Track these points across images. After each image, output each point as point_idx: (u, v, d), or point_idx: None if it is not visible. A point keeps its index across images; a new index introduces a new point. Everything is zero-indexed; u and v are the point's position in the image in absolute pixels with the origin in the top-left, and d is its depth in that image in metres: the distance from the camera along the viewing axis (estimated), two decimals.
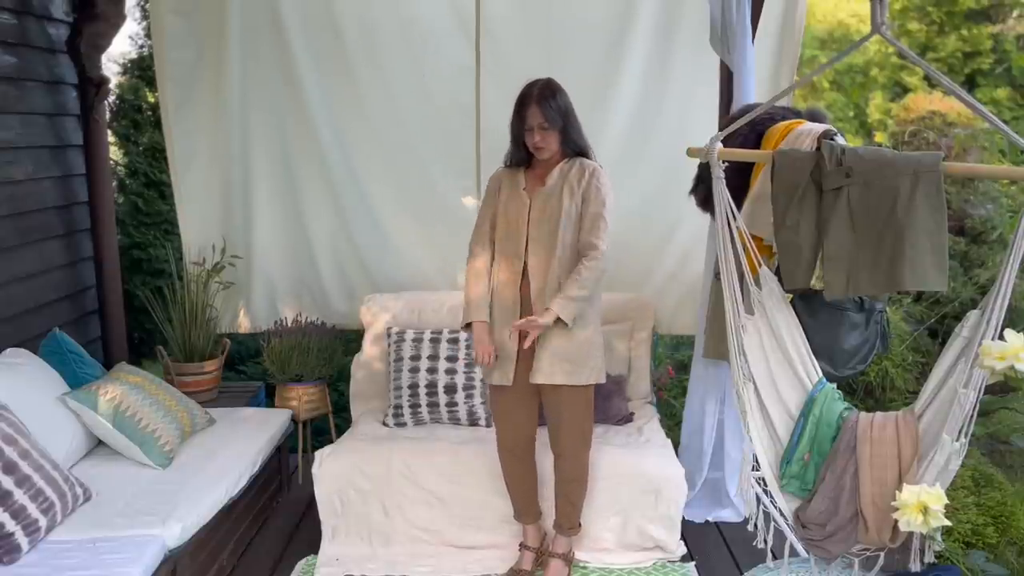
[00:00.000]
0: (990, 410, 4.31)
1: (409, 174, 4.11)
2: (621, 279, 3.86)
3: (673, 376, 4.73)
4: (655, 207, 3.98)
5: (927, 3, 9.32)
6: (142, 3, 5.85)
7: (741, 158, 2.58)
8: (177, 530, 2.71)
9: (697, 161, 2.60)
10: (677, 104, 3.89)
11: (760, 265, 2.40)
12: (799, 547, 2.58)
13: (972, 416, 2.11)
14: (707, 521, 3.58)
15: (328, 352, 4.05)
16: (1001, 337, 2.01)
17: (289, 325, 4.09)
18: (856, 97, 9.56)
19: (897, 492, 2.07)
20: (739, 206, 2.55)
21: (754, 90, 3.28)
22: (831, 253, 2.28)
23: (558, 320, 2.73)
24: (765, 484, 2.45)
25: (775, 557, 2.60)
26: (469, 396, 3.54)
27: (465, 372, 3.54)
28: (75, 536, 2.63)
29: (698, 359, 3.53)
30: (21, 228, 3.67)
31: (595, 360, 2.88)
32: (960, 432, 2.12)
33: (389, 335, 3.71)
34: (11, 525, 2.48)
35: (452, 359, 3.57)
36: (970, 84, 8.95)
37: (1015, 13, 9.28)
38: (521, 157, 2.91)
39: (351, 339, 4.28)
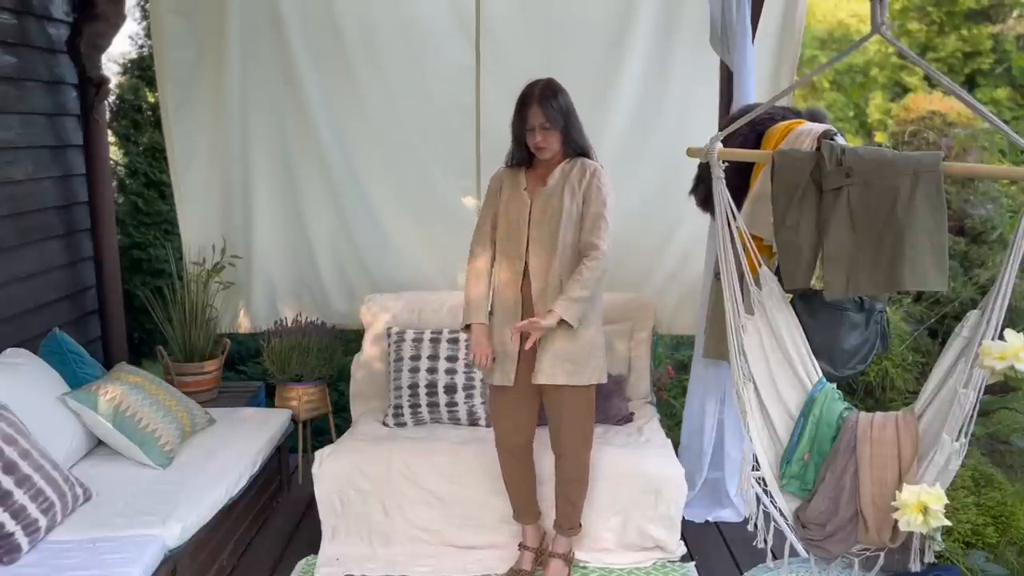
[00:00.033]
0: (990, 410, 4.31)
1: (409, 174, 4.11)
2: (621, 279, 3.86)
3: (673, 376, 4.73)
4: (655, 207, 3.98)
5: (927, 3, 9.32)
6: (142, 3, 5.86)
7: (741, 158, 2.58)
8: (177, 530, 2.71)
9: (697, 161, 2.60)
10: (677, 104, 3.89)
11: (760, 265, 2.40)
12: (799, 547, 2.58)
13: (972, 416, 2.11)
14: (707, 521, 3.58)
15: (328, 352, 4.05)
16: (1001, 337, 2.01)
17: (289, 325, 4.09)
18: (856, 97, 9.56)
19: (897, 492, 2.07)
20: (739, 206, 2.55)
21: (754, 90, 3.28)
22: (831, 253, 2.28)
23: (561, 321, 2.73)
24: (765, 484, 2.45)
25: (775, 557, 2.60)
26: (469, 396, 3.54)
27: (465, 372, 3.54)
28: (75, 536, 2.63)
29: (698, 359, 3.53)
30: (21, 228, 3.67)
31: (597, 360, 2.88)
32: (960, 432, 2.12)
33: (389, 335, 3.71)
34: (11, 525, 2.48)
35: (452, 359, 3.57)
36: (970, 84, 8.96)
37: (1015, 13, 9.28)
38: (522, 157, 2.91)
39: (351, 339, 4.28)
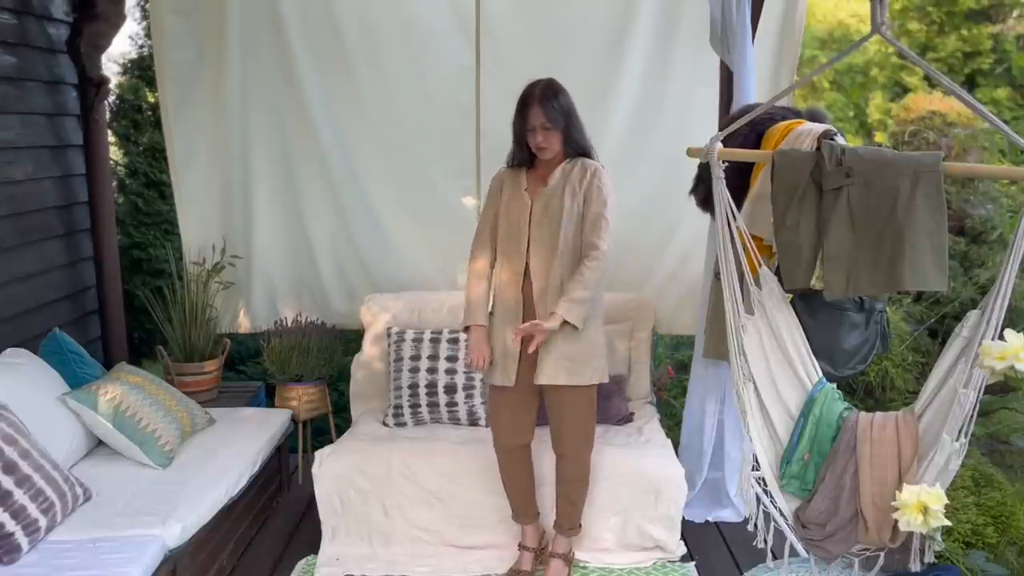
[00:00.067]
0: (990, 410, 4.31)
1: (409, 174, 4.11)
2: (621, 279, 3.86)
3: (673, 376, 4.73)
4: (655, 207, 3.98)
5: (927, 3, 9.32)
6: (142, 3, 5.86)
7: (741, 158, 2.58)
8: (177, 530, 2.71)
9: (697, 161, 2.60)
10: (677, 104, 3.89)
11: (760, 265, 2.40)
12: (799, 547, 2.58)
13: (972, 416, 2.11)
14: (707, 521, 3.58)
15: (328, 352, 4.05)
16: (1001, 337, 2.01)
17: (289, 325, 4.09)
18: (856, 97, 9.56)
19: (897, 492, 2.07)
20: (739, 206, 2.55)
21: (754, 90, 3.28)
22: (831, 253, 2.28)
23: (564, 323, 2.73)
24: (765, 484, 2.45)
25: (775, 557, 2.60)
26: (469, 396, 3.54)
27: (465, 372, 3.54)
28: (75, 536, 2.63)
29: (698, 359, 3.53)
30: (21, 228, 3.67)
31: (598, 360, 2.88)
32: (960, 432, 2.12)
33: (389, 335, 3.71)
34: (11, 525, 2.48)
35: (452, 359, 3.57)
36: (970, 84, 8.96)
37: (1015, 13, 9.28)
38: (524, 157, 2.91)
39: (351, 339, 4.28)
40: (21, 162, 3.68)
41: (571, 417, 2.91)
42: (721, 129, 2.81)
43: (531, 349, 2.77)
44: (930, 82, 7.71)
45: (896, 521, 2.08)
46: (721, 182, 2.37)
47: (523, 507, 3.10)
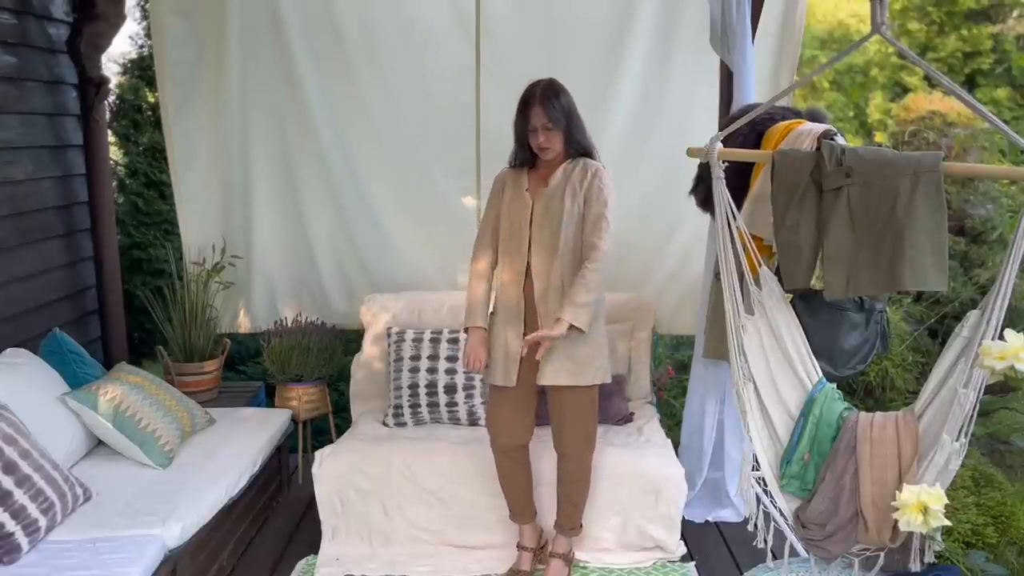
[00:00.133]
0: (990, 410, 4.31)
1: (409, 174, 4.11)
2: (621, 279, 3.86)
3: (673, 376, 4.73)
4: (655, 207, 3.98)
5: (927, 3, 9.32)
6: (142, 3, 5.86)
7: (741, 158, 2.58)
8: (177, 530, 2.71)
9: (697, 161, 2.60)
10: (677, 104, 3.89)
11: (760, 265, 2.40)
12: (799, 547, 2.58)
13: (972, 416, 2.11)
14: (707, 521, 3.58)
15: (328, 352, 4.05)
16: (1001, 337, 2.01)
17: (289, 325, 4.09)
18: (856, 97, 9.57)
19: (897, 492, 2.07)
20: (739, 206, 2.55)
21: (754, 90, 3.28)
22: (831, 253, 2.28)
23: (571, 327, 2.72)
24: (765, 484, 2.45)
25: (775, 557, 2.60)
26: (469, 396, 3.54)
27: (465, 372, 3.54)
28: (75, 536, 2.63)
29: (698, 359, 3.53)
30: (21, 228, 3.67)
31: (600, 360, 2.88)
32: (960, 432, 2.12)
33: (389, 335, 3.71)
34: (11, 525, 2.48)
35: (452, 359, 3.57)
36: (970, 84, 8.96)
37: (1015, 13, 9.28)
38: (525, 158, 2.91)
39: (351, 339, 4.28)
40: (21, 162, 3.68)
41: (573, 417, 2.91)
42: (721, 129, 2.81)
43: (538, 356, 2.78)
44: (930, 82, 7.71)
45: (896, 521, 2.08)
46: (721, 182, 2.37)
47: (521, 507, 3.10)
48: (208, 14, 3.94)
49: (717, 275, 2.54)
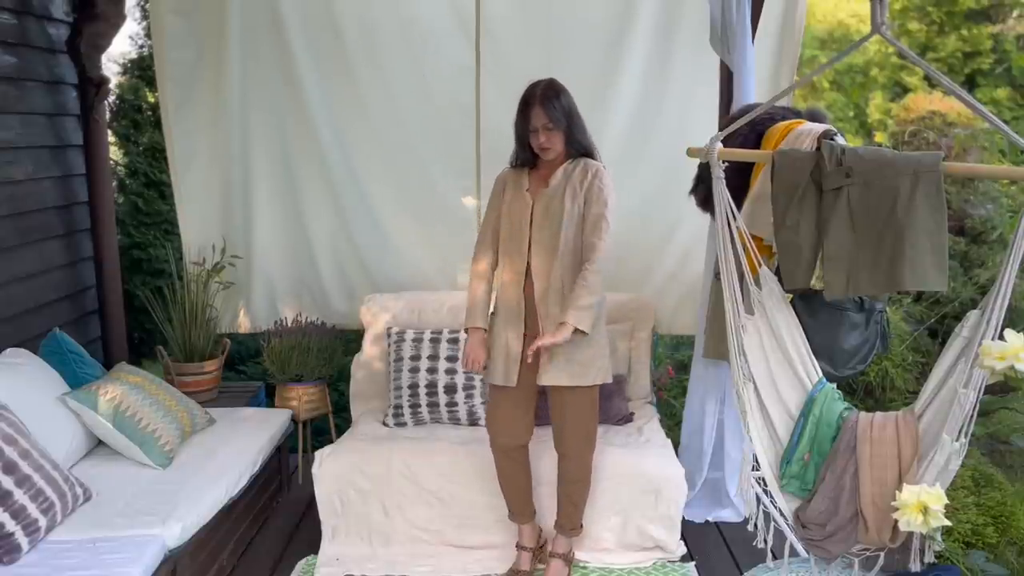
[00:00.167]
0: (990, 410, 4.31)
1: (409, 174, 4.11)
2: (621, 279, 3.86)
3: (673, 376, 4.73)
4: (655, 207, 3.98)
5: (927, 3, 9.32)
6: (142, 3, 5.86)
7: (741, 158, 2.58)
8: (177, 530, 2.71)
9: (697, 161, 2.60)
10: (677, 104, 3.89)
11: (760, 265, 2.40)
12: (799, 547, 2.58)
13: (972, 416, 2.11)
14: (707, 521, 3.58)
15: (328, 352, 4.06)
16: (1001, 337, 2.01)
17: (289, 325, 4.09)
18: (856, 97, 9.57)
19: (897, 492, 2.07)
20: (739, 206, 2.55)
21: (754, 90, 3.28)
22: (831, 253, 2.28)
23: (575, 330, 2.72)
24: (765, 484, 2.45)
25: (775, 557, 2.60)
26: (469, 396, 3.54)
27: (465, 372, 3.54)
28: (75, 536, 2.63)
29: (698, 359, 3.53)
30: (21, 228, 3.67)
31: (601, 360, 2.88)
32: (960, 432, 2.12)
33: (389, 335, 3.71)
34: (11, 525, 2.48)
35: (452, 359, 3.57)
36: (970, 84, 8.96)
37: (1015, 13, 9.28)
38: (526, 158, 2.91)
39: (351, 339, 4.28)
40: (21, 162, 3.68)
41: (573, 417, 2.91)
42: (721, 129, 2.81)
43: (542, 358, 2.78)
44: (930, 82, 7.71)
45: (896, 521, 2.08)
46: (721, 182, 2.37)
47: (520, 507, 3.10)
48: (208, 14, 3.93)
49: (717, 275, 2.54)
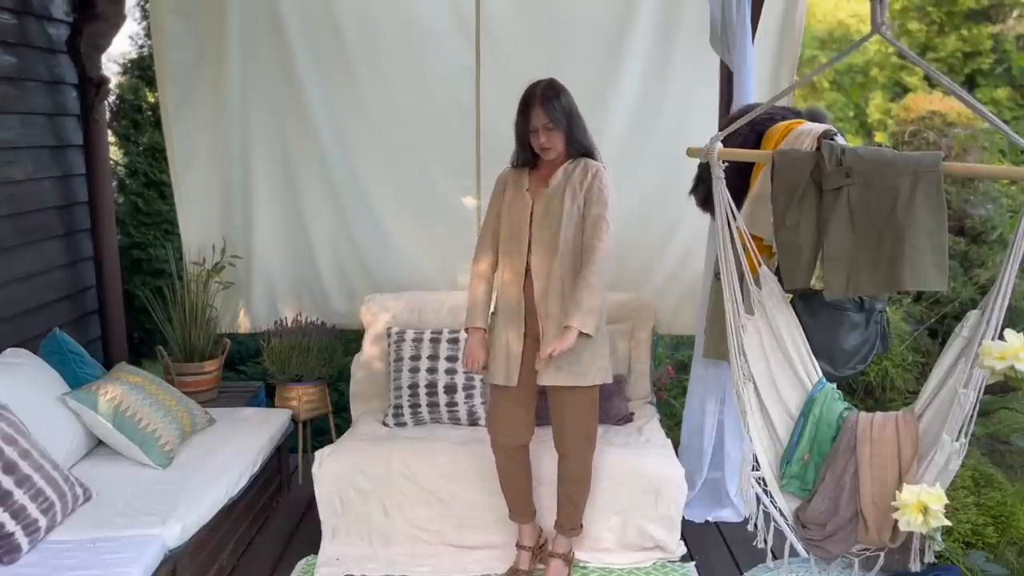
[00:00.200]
0: (990, 410, 4.31)
1: (409, 174, 4.11)
2: (621, 279, 3.86)
3: (673, 376, 4.73)
4: (655, 207, 3.98)
5: (927, 3, 9.32)
6: (142, 3, 5.86)
7: (741, 158, 2.58)
8: (177, 530, 2.71)
9: (697, 161, 2.60)
10: (677, 104, 3.89)
11: (760, 265, 2.40)
12: (799, 547, 2.58)
13: (972, 416, 2.11)
14: (707, 521, 3.58)
15: (328, 352, 4.06)
16: (1001, 337, 2.01)
17: (289, 325, 4.09)
18: (856, 97, 9.57)
19: (897, 492, 2.07)
20: (739, 206, 2.55)
21: (754, 90, 3.28)
22: (831, 253, 2.28)
23: (580, 333, 2.72)
24: (765, 484, 2.45)
25: (775, 557, 2.60)
26: (469, 396, 3.54)
27: (465, 372, 3.54)
28: (75, 536, 2.63)
29: (698, 359, 3.53)
30: (21, 228, 3.67)
31: (601, 360, 2.88)
32: (960, 432, 2.12)
33: (389, 335, 3.71)
34: (11, 525, 2.48)
35: (452, 359, 3.57)
36: (970, 84, 8.96)
37: (1015, 13, 9.28)
38: (527, 158, 2.91)
39: (351, 339, 4.28)
40: (21, 162, 3.68)
41: (573, 417, 2.91)
42: (721, 129, 2.81)
43: (543, 359, 2.79)
44: (930, 82, 7.71)
45: (896, 521, 2.08)
46: (721, 182, 2.37)
47: (521, 507, 3.10)
48: (208, 14, 3.93)
49: (717, 275, 2.54)
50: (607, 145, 3.68)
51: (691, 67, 3.80)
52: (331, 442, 3.55)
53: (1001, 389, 4.35)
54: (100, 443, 3.27)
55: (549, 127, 2.77)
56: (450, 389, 3.54)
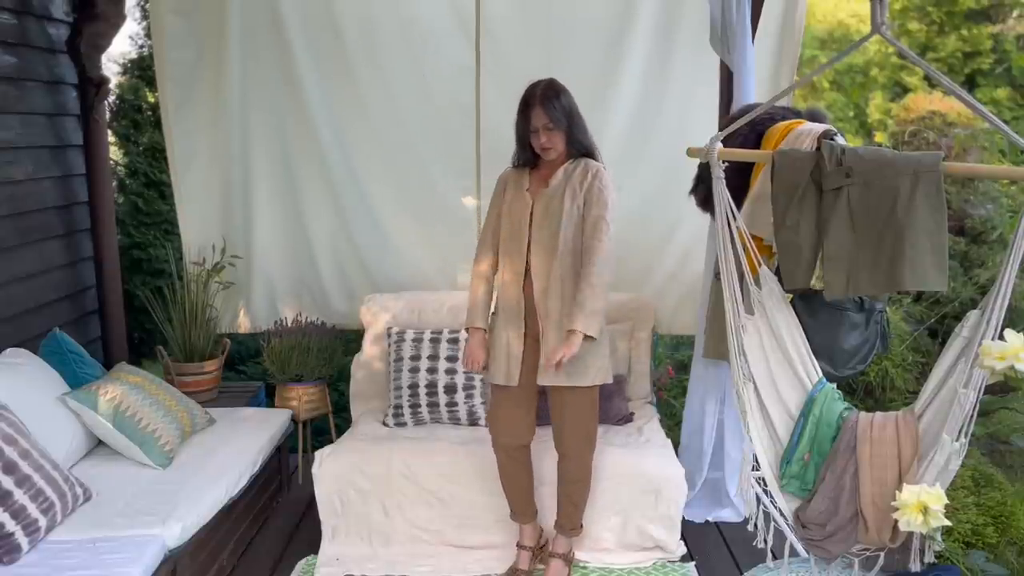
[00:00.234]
0: (990, 410, 4.31)
1: (409, 174, 4.11)
2: (621, 279, 3.85)
3: (673, 376, 4.73)
4: (655, 207, 3.98)
5: (927, 3, 9.32)
6: (142, 3, 5.86)
7: (741, 158, 2.58)
8: (177, 530, 2.71)
9: (697, 161, 2.60)
10: (677, 104, 3.89)
11: (760, 265, 2.40)
12: (799, 547, 2.58)
13: (972, 416, 2.11)
14: (707, 521, 3.58)
15: (328, 352, 4.06)
16: (1001, 337, 2.01)
17: (289, 325, 4.09)
18: (856, 97, 9.57)
19: (897, 492, 2.07)
20: (739, 206, 2.56)
21: (754, 90, 3.28)
22: (831, 253, 2.28)
23: (586, 336, 2.72)
24: (765, 484, 2.45)
25: (775, 557, 2.60)
26: (469, 396, 3.54)
27: (465, 372, 3.54)
28: (75, 536, 2.63)
29: (698, 359, 3.53)
30: (21, 228, 3.67)
31: (601, 361, 2.88)
32: (960, 432, 2.12)
33: (389, 335, 3.71)
34: (11, 525, 2.48)
35: (452, 359, 3.57)
36: (970, 84, 8.96)
37: (1015, 13, 9.28)
38: (527, 158, 2.91)
39: (351, 339, 4.28)
40: (21, 162, 3.68)
41: (573, 417, 2.91)
42: (721, 129, 2.81)
43: (543, 359, 2.80)
44: (930, 82, 7.71)
45: (896, 521, 2.08)
46: (721, 182, 2.37)
47: (522, 507, 3.10)
48: (208, 14, 3.93)
49: (717, 275, 2.54)
50: (607, 145, 3.68)
51: (691, 67, 3.80)
52: (331, 442, 3.55)
53: (1001, 389, 4.35)
54: (100, 443, 3.27)
55: (549, 127, 2.77)
56: (450, 389, 3.54)
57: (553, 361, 2.72)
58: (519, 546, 3.12)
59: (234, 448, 3.35)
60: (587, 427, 2.95)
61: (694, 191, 2.99)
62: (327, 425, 4.15)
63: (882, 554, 2.32)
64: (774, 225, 2.39)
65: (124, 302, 4.28)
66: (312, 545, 3.30)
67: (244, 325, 4.34)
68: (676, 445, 3.55)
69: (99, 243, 4.13)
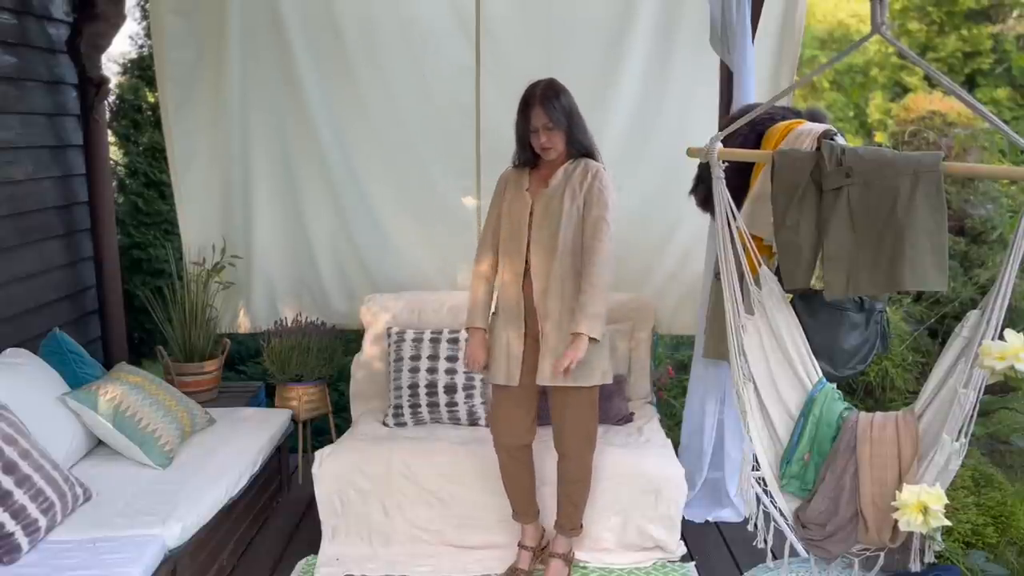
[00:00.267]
0: (990, 410, 4.31)
1: (409, 174, 4.11)
2: (621, 279, 3.84)
3: (673, 376, 4.73)
4: (655, 207, 3.98)
5: (927, 3, 9.32)
6: (142, 3, 5.86)
7: (741, 158, 2.58)
8: (177, 530, 2.71)
9: (697, 161, 2.60)
10: (677, 104, 3.89)
11: (760, 265, 2.40)
12: (799, 547, 2.58)
13: (972, 416, 2.11)
14: (707, 521, 3.58)
15: (328, 352, 4.06)
16: (1001, 337, 2.01)
17: (289, 325, 4.09)
18: (856, 97, 9.57)
19: (897, 492, 2.07)
20: (739, 206, 2.56)
21: (754, 90, 3.28)
22: (831, 253, 2.28)
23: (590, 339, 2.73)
24: (765, 484, 2.45)
25: (775, 557, 2.60)
26: (469, 396, 3.54)
27: (465, 372, 3.54)
28: (75, 536, 2.63)
29: (698, 359, 3.53)
30: (21, 228, 3.67)
31: (601, 361, 2.88)
32: (960, 432, 2.12)
33: (389, 335, 3.71)
34: (11, 525, 2.48)
35: (452, 359, 3.57)
36: (970, 84, 8.96)
37: (1015, 13, 9.28)
38: (527, 158, 2.91)
39: (351, 339, 4.28)
40: (21, 162, 3.68)
41: (573, 418, 2.91)
42: (721, 129, 2.81)
43: (542, 359, 2.80)
44: (930, 82, 7.71)
45: (896, 521, 2.08)
46: (721, 182, 2.37)
47: (524, 507, 3.10)
48: (208, 14, 3.94)
49: (717, 275, 2.54)
50: (607, 145, 3.68)
51: (691, 67, 3.80)
52: (331, 442, 3.55)
53: (1001, 389, 4.35)
54: (100, 443, 3.27)
55: (549, 127, 2.77)
56: (450, 389, 3.54)
57: (561, 368, 2.72)
58: (521, 546, 3.12)
59: (234, 448, 3.35)
60: (587, 427, 2.95)
61: (694, 191, 2.99)
62: (327, 425, 4.15)
63: (882, 554, 2.32)
64: (774, 225, 2.39)
65: (124, 302, 4.28)
66: (312, 545, 3.30)
67: (244, 325, 4.34)
68: (676, 445, 3.55)
69: (99, 243, 4.13)
